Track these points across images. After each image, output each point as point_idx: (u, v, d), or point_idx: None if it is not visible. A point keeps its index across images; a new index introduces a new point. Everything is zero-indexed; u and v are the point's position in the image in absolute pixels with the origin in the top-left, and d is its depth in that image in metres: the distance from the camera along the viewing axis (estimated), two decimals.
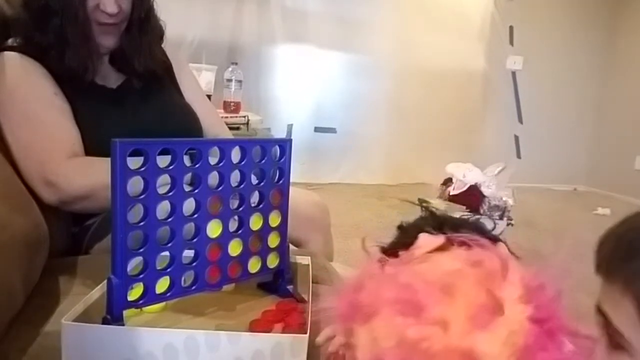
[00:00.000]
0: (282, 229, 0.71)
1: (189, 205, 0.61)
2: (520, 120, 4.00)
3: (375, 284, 0.45)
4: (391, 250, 0.52)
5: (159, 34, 1.10)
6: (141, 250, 0.57)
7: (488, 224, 2.45)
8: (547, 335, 0.40)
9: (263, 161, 0.67)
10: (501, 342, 0.39)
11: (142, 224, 0.57)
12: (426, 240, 0.49)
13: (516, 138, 4.02)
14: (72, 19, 0.93)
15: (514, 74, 3.98)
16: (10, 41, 0.97)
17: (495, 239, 0.52)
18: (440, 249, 0.48)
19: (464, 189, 2.52)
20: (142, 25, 1.03)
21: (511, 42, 3.88)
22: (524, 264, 0.47)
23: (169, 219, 0.59)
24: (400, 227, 0.57)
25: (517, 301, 0.41)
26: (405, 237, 0.53)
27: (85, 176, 0.89)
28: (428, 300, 0.41)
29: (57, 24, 0.93)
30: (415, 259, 0.48)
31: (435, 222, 0.54)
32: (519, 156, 4.05)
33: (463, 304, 0.41)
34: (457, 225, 0.53)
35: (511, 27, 3.83)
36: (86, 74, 0.97)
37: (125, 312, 0.58)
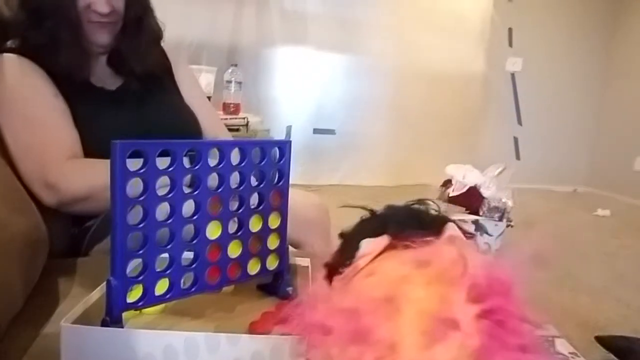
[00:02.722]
0: (281, 230, 0.71)
1: (188, 207, 0.61)
2: (520, 122, 4.00)
3: (323, 308, 0.44)
4: (336, 264, 0.49)
5: (156, 34, 1.10)
6: (140, 251, 0.57)
7: (488, 225, 2.45)
8: (502, 329, 0.38)
9: (263, 163, 0.67)
10: (456, 348, 0.37)
11: (141, 225, 0.57)
12: (369, 247, 0.47)
13: (515, 139, 4.03)
14: (64, 19, 0.93)
15: (513, 75, 3.99)
16: (9, 43, 0.97)
17: (443, 220, 0.49)
18: (388, 249, 0.46)
19: (464, 190, 2.52)
20: (138, 25, 1.02)
21: (510, 44, 3.89)
22: (473, 248, 0.45)
23: (169, 221, 0.59)
24: (341, 235, 0.53)
25: (467, 300, 0.39)
26: (348, 246, 0.49)
27: (85, 177, 0.89)
28: (374, 322, 0.39)
29: (50, 24, 0.93)
30: (361, 271, 0.45)
31: (378, 223, 0.50)
32: (518, 157, 4.06)
33: (412, 316, 0.39)
34: (400, 222, 0.49)
35: (510, 29, 3.85)
36: (79, 74, 0.97)
37: (125, 314, 0.58)
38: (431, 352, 0.37)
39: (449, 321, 0.37)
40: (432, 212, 0.50)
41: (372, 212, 0.53)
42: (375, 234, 0.48)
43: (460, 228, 0.49)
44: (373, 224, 0.50)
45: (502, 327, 0.38)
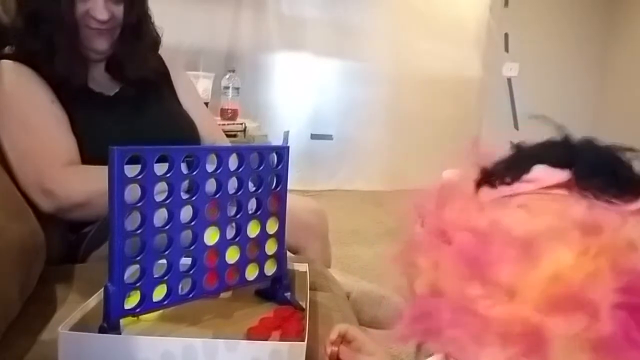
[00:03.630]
0: (279, 235, 0.71)
1: (186, 213, 0.61)
2: (516, 127, 4.02)
3: (455, 212, 0.39)
4: (495, 173, 0.42)
5: (153, 40, 1.10)
6: (138, 257, 0.57)
7: None
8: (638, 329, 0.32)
9: (260, 168, 0.67)
10: (578, 327, 0.32)
11: (139, 231, 0.57)
12: (542, 175, 0.39)
13: (512, 144, 4.03)
14: (61, 25, 0.93)
15: (509, 80, 4.00)
16: (7, 49, 0.97)
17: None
18: (562, 187, 0.38)
19: None
20: (135, 31, 1.02)
21: (506, 49, 3.91)
22: None
23: (167, 226, 0.59)
24: (517, 147, 0.45)
25: (616, 288, 0.32)
26: (519, 162, 0.41)
27: (83, 184, 0.89)
28: (501, 258, 0.34)
29: (47, 30, 0.93)
30: (518, 196, 0.39)
31: (565, 153, 0.40)
32: None
33: (546, 275, 0.33)
34: (592, 163, 0.39)
35: (506, 35, 3.86)
36: (76, 79, 0.96)
37: (122, 320, 0.58)
38: (549, 318, 0.32)
39: (585, 299, 0.32)
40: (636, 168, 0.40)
41: (566, 136, 0.43)
42: (557, 163, 0.39)
43: None
44: (559, 150, 0.41)
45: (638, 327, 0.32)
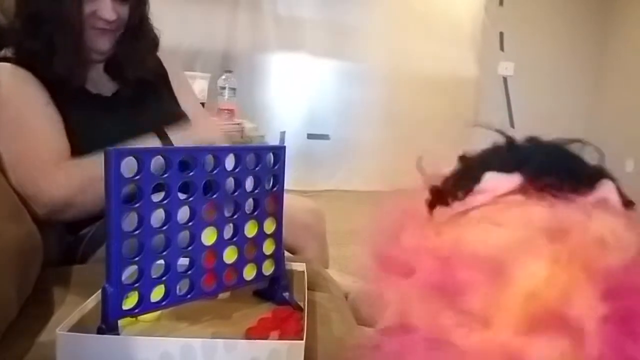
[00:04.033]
0: (277, 235, 0.71)
1: (183, 213, 0.61)
2: (512, 126, 4.03)
3: (414, 238, 0.36)
4: (447, 191, 0.38)
5: (153, 41, 1.10)
6: (136, 258, 0.57)
7: None
8: (631, 342, 0.29)
9: (257, 168, 0.67)
10: (563, 349, 0.29)
11: (137, 232, 0.57)
12: (494, 183, 0.36)
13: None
14: (65, 26, 0.93)
15: (505, 79, 4.01)
16: (2, 52, 0.97)
17: (600, 174, 0.37)
18: (518, 192, 0.35)
19: None
20: (136, 32, 1.03)
21: (502, 48, 3.92)
22: (628, 222, 0.33)
23: (164, 227, 0.59)
24: (462, 158, 0.42)
25: (597, 297, 0.29)
26: (468, 174, 0.39)
27: (73, 175, 0.88)
28: (470, 284, 0.31)
29: (48, 31, 0.93)
30: (474, 211, 0.35)
31: (514, 156, 0.38)
32: None
33: (519, 295, 0.30)
34: (543, 162, 0.37)
35: (501, 34, 3.87)
36: (75, 80, 0.96)
37: (120, 321, 0.58)
38: (530, 342, 0.30)
39: (566, 317, 0.29)
40: (588, 160, 0.38)
41: (509, 139, 0.40)
42: (506, 168, 0.37)
43: (619, 191, 0.37)
44: (507, 154, 0.39)
45: (631, 339, 0.29)
